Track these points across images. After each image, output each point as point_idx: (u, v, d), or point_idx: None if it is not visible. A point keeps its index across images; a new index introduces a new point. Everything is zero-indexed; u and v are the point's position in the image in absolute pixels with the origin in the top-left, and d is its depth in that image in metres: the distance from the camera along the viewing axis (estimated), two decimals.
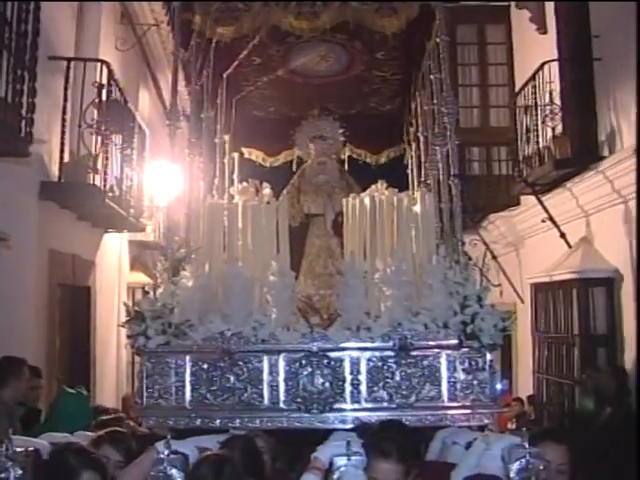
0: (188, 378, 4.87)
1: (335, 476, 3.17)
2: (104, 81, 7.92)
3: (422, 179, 7.20)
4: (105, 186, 7.98)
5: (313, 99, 7.55)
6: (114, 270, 10.27)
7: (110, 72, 8.06)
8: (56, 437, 3.82)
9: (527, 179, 9.41)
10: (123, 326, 4.98)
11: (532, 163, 9.42)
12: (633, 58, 7.19)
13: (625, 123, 7.78)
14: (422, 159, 7.16)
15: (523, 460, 3.20)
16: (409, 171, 7.82)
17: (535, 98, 9.26)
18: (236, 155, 7.89)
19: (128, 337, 4.93)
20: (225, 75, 6.60)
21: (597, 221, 8.46)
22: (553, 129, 8.87)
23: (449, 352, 4.87)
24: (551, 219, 9.02)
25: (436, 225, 5.72)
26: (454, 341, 4.84)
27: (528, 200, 10.05)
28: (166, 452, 3.27)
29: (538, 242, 9.97)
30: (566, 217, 9.03)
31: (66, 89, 7.65)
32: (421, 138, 7.15)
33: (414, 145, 7.59)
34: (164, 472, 3.22)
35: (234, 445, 3.55)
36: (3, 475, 3.21)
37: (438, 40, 5.60)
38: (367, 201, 5.61)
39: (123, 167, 8.76)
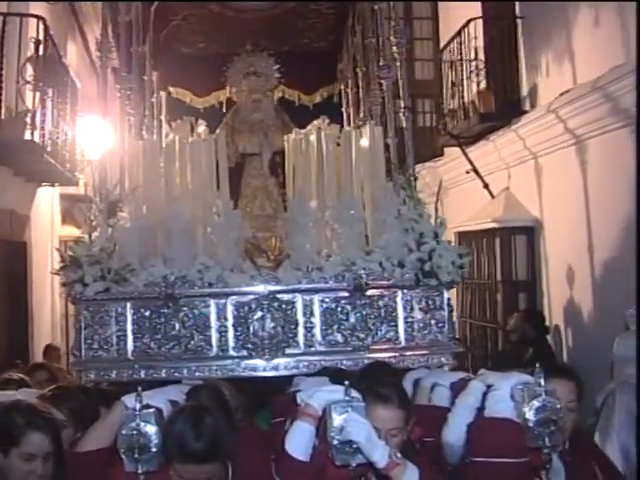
0: (130, 327, 4.58)
1: (336, 424, 2.83)
2: (40, 37, 7.70)
3: (361, 115, 6.93)
4: (43, 142, 7.81)
5: (244, 35, 7.11)
6: (47, 224, 10.08)
7: (46, 28, 7.83)
8: (2, 395, 3.47)
9: (452, 131, 9.52)
10: (57, 273, 4.61)
11: (457, 116, 9.54)
12: (553, 17, 7.50)
13: (545, 80, 7.95)
14: (361, 95, 6.89)
15: (540, 399, 2.89)
16: (343, 109, 7.57)
17: (461, 54, 9.33)
18: (163, 94, 7.53)
19: (63, 285, 4.57)
20: (153, 8, 6.17)
21: (518, 173, 8.64)
22: (478, 84, 8.96)
23: (405, 291, 4.68)
24: (475, 170, 9.16)
25: None
26: (411, 279, 4.65)
27: (452, 151, 10.17)
28: (138, 407, 2.89)
29: (462, 192, 10.04)
30: (489, 169, 9.19)
31: (2, 45, 7.27)
32: (359, 73, 6.87)
33: (351, 82, 7.31)
34: (138, 429, 2.84)
35: (200, 395, 3.26)
36: None
37: None
38: (312, 137, 5.30)
39: (58, 121, 8.58)
